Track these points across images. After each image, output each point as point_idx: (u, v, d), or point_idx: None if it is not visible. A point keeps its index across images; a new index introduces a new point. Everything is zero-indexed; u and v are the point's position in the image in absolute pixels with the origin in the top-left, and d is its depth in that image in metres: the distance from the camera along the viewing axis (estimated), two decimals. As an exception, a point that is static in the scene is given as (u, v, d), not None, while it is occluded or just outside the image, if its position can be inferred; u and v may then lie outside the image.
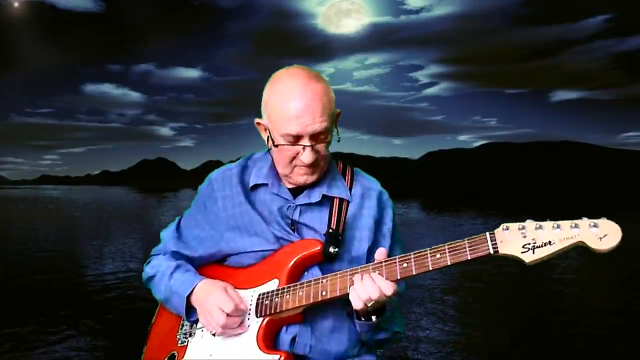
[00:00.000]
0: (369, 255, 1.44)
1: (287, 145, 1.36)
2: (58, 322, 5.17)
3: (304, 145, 1.35)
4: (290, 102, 1.33)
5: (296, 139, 1.35)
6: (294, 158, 1.38)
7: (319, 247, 1.36)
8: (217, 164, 1.58)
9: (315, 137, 1.35)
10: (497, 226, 1.20)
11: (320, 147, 1.38)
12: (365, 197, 1.49)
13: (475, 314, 5.76)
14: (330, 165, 1.50)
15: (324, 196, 1.44)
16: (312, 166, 1.39)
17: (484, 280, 7.21)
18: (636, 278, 7.37)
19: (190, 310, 1.43)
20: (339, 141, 1.44)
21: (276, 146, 1.38)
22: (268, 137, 1.42)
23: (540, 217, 1.19)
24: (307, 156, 1.36)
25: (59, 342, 4.64)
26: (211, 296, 1.37)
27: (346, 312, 1.42)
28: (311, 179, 1.42)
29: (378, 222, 1.48)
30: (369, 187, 1.51)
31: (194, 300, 1.42)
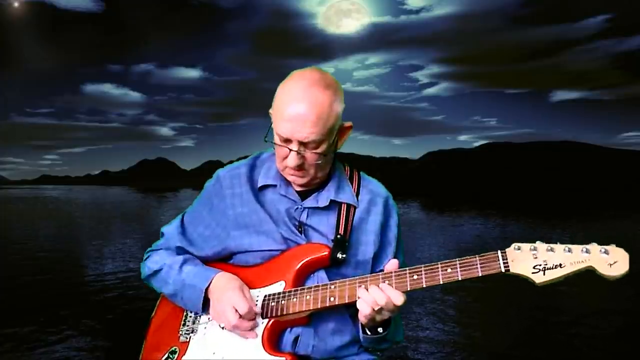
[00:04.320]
0: (374, 260, 1.46)
1: (278, 144, 1.38)
2: (58, 322, 5.17)
3: (290, 149, 1.35)
4: (288, 104, 1.34)
5: (286, 141, 1.36)
6: (284, 158, 1.39)
7: (326, 252, 1.37)
8: (217, 164, 1.59)
9: (304, 145, 1.35)
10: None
11: (309, 154, 1.36)
12: (371, 202, 1.49)
13: (475, 314, 5.75)
14: (339, 170, 1.51)
15: (331, 201, 1.45)
16: (301, 170, 1.39)
17: (484, 280, 7.18)
18: (637, 278, 7.37)
19: (205, 303, 1.43)
20: (335, 151, 1.44)
21: (266, 141, 1.40)
22: (269, 129, 1.42)
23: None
24: (291, 160, 1.36)
25: (59, 342, 4.63)
26: (227, 293, 1.37)
27: (349, 313, 1.43)
28: (300, 181, 1.42)
29: (384, 228, 1.49)
30: (375, 192, 1.52)
31: (211, 294, 1.41)
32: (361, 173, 1.57)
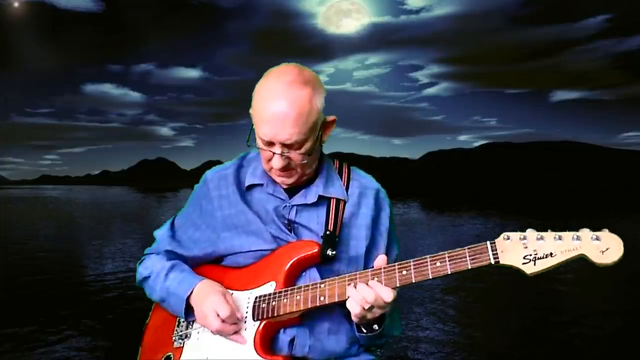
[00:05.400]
0: (367, 255, 1.43)
1: (261, 148, 1.35)
2: (58, 322, 5.17)
3: (274, 152, 1.33)
4: (266, 105, 1.30)
5: (269, 144, 1.33)
6: (269, 160, 1.36)
7: (316, 249, 1.35)
8: (217, 164, 1.57)
9: (287, 146, 1.32)
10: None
11: (294, 155, 1.34)
12: (362, 195, 1.46)
13: (476, 314, 5.76)
14: (327, 165, 1.48)
15: (320, 196, 1.42)
16: (287, 170, 1.37)
17: (484, 280, 7.20)
18: (637, 278, 7.37)
19: (189, 311, 1.42)
20: (321, 145, 1.41)
21: (249, 145, 1.38)
22: (251, 131, 1.39)
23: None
24: (276, 162, 1.34)
25: (59, 342, 4.63)
26: (208, 299, 1.35)
27: (344, 312, 1.40)
28: (288, 181, 1.40)
29: (375, 221, 1.46)
30: (365, 185, 1.49)
31: (193, 301, 1.40)
32: (352, 167, 1.53)
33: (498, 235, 1.19)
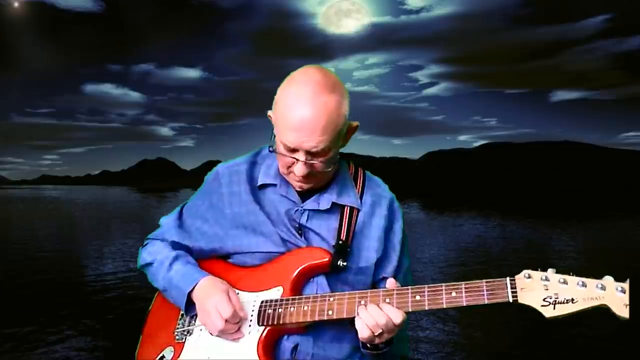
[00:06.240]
0: (377, 265, 1.41)
1: (283, 153, 1.30)
2: (58, 322, 5.18)
3: (298, 159, 1.28)
4: (293, 111, 1.24)
5: (292, 150, 1.28)
6: (290, 166, 1.32)
7: (327, 259, 1.32)
8: (217, 163, 1.54)
9: (312, 154, 1.27)
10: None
11: (317, 163, 1.29)
12: (375, 204, 1.43)
13: (476, 314, 5.75)
14: (342, 170, 1.44)
15: (333, 203, 1.38)
16: (308, 177, 1.32)
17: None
18: (637, 278, 7.37)
19: (191, 305, 1.39)
20: (338, 158, 1.37)
21: (272, 151, 1.32)
22: (272, 136, 1.34)
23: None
24: (299, 169, 1.29)
25: (59, 342, 4.64)
26: (212, 298, 1.33)
27: (348, 320, 1.37)
28: (306, 186, 1.36)
29: (388, 233, 1.43)
30: (379, 194, 1.45)
31: (195, 297, 1.37)
32: (366, 172, 1.49)
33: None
